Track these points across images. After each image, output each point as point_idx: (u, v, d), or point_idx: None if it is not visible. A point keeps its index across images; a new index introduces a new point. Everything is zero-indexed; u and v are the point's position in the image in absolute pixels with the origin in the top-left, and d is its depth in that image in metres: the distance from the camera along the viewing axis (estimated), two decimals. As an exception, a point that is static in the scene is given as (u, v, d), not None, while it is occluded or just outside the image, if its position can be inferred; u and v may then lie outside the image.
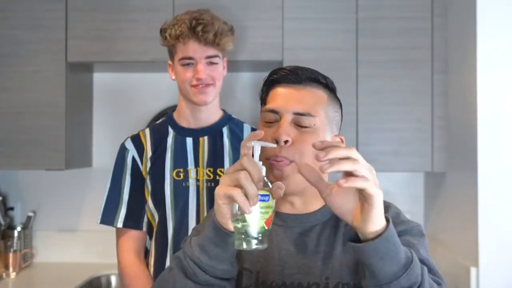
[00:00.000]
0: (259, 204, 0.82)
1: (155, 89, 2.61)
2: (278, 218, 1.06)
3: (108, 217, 1.59)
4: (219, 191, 0.84)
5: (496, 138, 1.91)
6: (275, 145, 0.94)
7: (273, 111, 1.02)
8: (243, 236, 0.83)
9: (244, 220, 0.82)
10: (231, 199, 0.83)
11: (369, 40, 2.25)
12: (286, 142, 0.98)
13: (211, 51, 1.53)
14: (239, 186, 0.82)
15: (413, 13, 2.25)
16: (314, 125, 1.02)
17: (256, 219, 0.83)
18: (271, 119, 1.03)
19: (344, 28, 2.25)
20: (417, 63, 2.25)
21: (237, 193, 0.81)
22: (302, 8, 2.26)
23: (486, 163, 1.91)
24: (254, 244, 0.83)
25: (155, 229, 1.57)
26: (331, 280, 0.99)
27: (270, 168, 0.99)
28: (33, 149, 2.28)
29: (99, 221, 1.62)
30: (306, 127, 1.01)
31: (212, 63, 1.54)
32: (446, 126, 2.23)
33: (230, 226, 0.85)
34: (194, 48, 1.51)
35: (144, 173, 1.57)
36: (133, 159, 1.58)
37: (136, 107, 2.61)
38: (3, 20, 2.30)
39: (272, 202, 0.85)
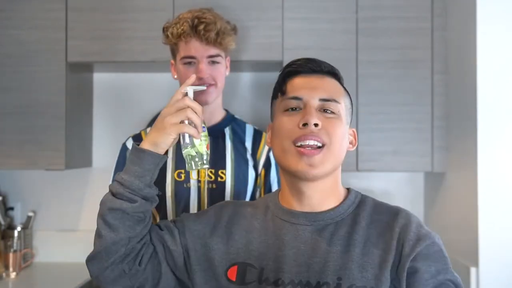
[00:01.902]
0: (202, 133, 1.08)
1: (155, 89, 2.61)
2: (291, 216, 1.06)
3: None
4: (171, 128, 1.04)
5: (496, 138, 1.91)
6: (204, 87, 1.16)
7: (296, 98, 1.03)
8: (195, 160, 1.08)
9: (194, 147, 1.07)
10: (181, 133, 1.05)
11: (369, 40, 2.24)
12: (316, 126, 0.99)
13: (213, 51, 1.52)
14: (187, 119, 1.04)
15: (413, 13, 2.25)
16: (339, 111, 1.03)
17: (202, 145, 1.09)
18: (293, 106, 1.03)
19: (344, 28, 2.25)
20: (417, 63, 2.25)
21: (188, 127, 1.04)
22: (302, 8, 2.26)
23: (486, 163, 1.91)
24: (201, 165, 1.09)
25: None
26: (344, 281, 0.97)
27: (298, 156, 1.00)
28: (33, 149, 2.28)
29: None
30: (332, 112, 1.02)
31: (213, 63, 1.53)
32: (446, 126, 2.23)
33: (161, 149, 1.06)
34: (196, 47, 1.50)
35: None
36: None
37: (136, 107, 2.61)
38: (3, 20, 2.30)
39: (207, 132, 1.12)
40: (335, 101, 1.03)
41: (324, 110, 1.02)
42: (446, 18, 2.24)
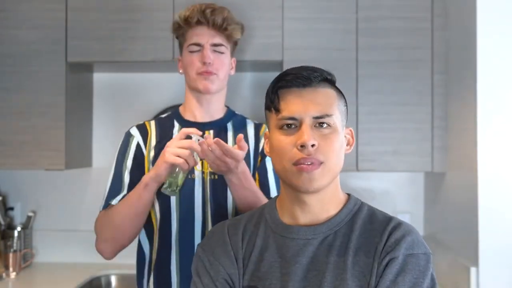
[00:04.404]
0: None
1: (155, 89, 2.61)
2: (290, 231, 1.07)
3: (107, 201, 1.55)
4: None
5: (496, 138, 1.91)
6: (203, 139, 1.30)
7: (292, 118, 1.05)
8: (171, 186, 1.35)
9: (177, 177, 1.35)
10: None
11: (369, 40, 2.24)
12: (312, 146, 1.02)
13: (218, 39, 1.55)
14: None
15: (413, 13, 2.25)
16: (334, 123, 1.05)
17: (182, 179, 1.37)
18: (289, 124, 1.05)
19: (344, 28, 2.25)
20: (417, 63, 2.25)
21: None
22: (302, 8, 2.26)
23: (486, 163, 1.91)
24: (171, 192, 1.36)
25: (157, 223, 1.55)
26: None
27: (298, 173, 1.03)
28: (33, 149, 2.28)
29: (101, 208, 1.59)
30: (328, 127, 1.04)
31: (216, 52, 1.55)
32: (446, 126, 2.23)
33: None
34: (202, 33, 1.54)
35: (146, 160, 1.56)
36: (138, 144, 1.57)
37: (136, 107, 2.61)
38: (3, 20, 2.30)
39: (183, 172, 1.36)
40: (327, 116, 1.04)
41: (320, 124, 1.04)
42: (446, 18, 2.24)
